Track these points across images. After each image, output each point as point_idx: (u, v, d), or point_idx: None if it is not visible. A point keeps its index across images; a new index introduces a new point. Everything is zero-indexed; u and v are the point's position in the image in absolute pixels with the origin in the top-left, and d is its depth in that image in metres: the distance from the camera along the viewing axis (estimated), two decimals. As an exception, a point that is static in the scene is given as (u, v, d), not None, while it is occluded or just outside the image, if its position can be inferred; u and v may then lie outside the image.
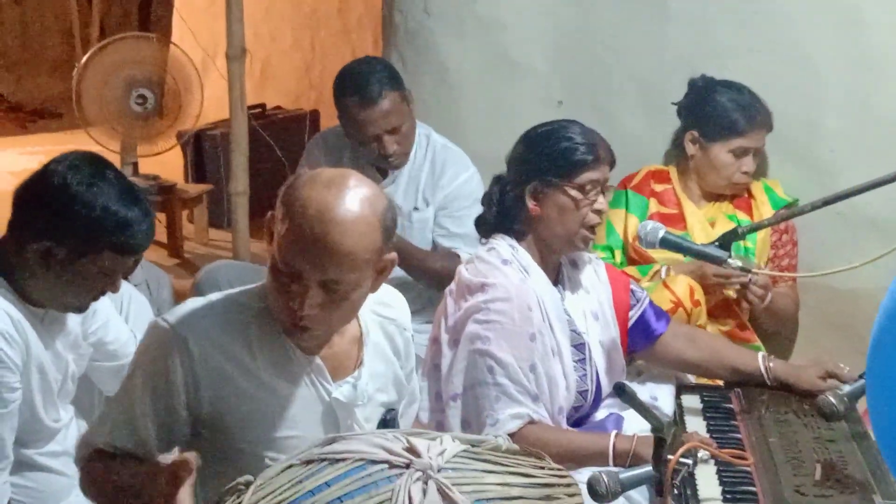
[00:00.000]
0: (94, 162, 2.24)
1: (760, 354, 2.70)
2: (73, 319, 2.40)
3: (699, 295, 2.98)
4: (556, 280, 2.59)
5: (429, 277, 3.23)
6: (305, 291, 1.83)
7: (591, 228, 2.51)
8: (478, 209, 3.16)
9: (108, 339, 2.55)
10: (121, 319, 2.63)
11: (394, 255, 1.93)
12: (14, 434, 2.29)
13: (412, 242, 3.25)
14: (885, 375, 1.36)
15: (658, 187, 3.33)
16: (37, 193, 2.19)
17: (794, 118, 3.30)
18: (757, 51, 3.35)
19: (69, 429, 2.48)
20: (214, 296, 2.01)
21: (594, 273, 2.66)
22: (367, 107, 3.18)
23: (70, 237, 2.16)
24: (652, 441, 2.29)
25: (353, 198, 1.83)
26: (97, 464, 1.97)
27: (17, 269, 2.22)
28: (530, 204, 2.51)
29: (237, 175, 4.37)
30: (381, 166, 3.32)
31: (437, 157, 3.34)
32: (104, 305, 2.49)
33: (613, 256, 3.25)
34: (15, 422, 2.28)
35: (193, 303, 1.98)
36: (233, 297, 1.99)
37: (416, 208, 3.31)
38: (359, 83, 3.20)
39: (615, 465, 2.36)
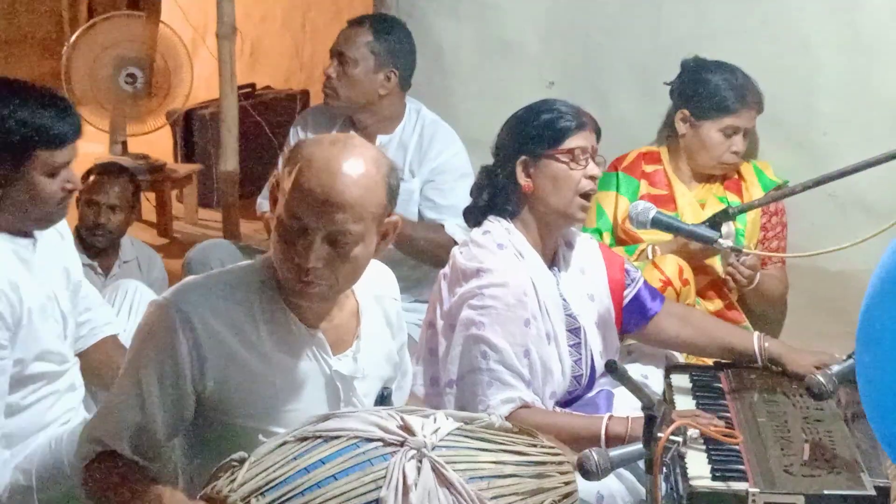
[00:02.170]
0: (4, 80, 2.38)
1: (756, 334, 2.70)
2: (58, 254, 2.45)
3: (688, 274, 2.99)
4: (552, 262, 2.60)
5: (413, 247, 3.23)
6: (312, 245, 1.85)
7: (587, 196, 2.51)
8: (464, 183, 3.17)
9: (83, 294, 2.57)
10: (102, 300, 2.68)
11: (396, 218, 1.96)
12: (4, 400, 2.29)
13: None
14: (874, 348, 1.38)
15: (649, 169, 3.33)
16: None
17: (787, 100, 3.31)
18: (751, 33, 3.35)
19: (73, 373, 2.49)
20: (214, 272, 2.03)
21: (589, 252, 2.67)
22: (348, 26, 3.33)
23: (5, 141, 2.24)
24: (641, 424, 2.31)
25: (359, 154, 1.88)
26: (103, 472, 1.92)
27: None
28: (522, 180, 2.51)
29: (227, 154, 4.37)
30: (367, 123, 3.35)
31: (425, 130, 3.37)
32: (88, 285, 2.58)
33: (602, 239, 3.26)
34: (5, 385, 2.29)
35: (193, 279, 1.98)
36: (233, 272, 2.00)
37: (402, 179, 3.31)
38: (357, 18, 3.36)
39: (608, 447, 2.36)
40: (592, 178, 2.50)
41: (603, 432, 2.36)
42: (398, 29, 3.39)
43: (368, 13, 3.61)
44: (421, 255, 3.23)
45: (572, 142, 2.48)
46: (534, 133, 2.49)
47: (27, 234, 2.38)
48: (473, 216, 2.61)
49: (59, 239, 2.50)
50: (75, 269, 2.55)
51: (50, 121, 2.27)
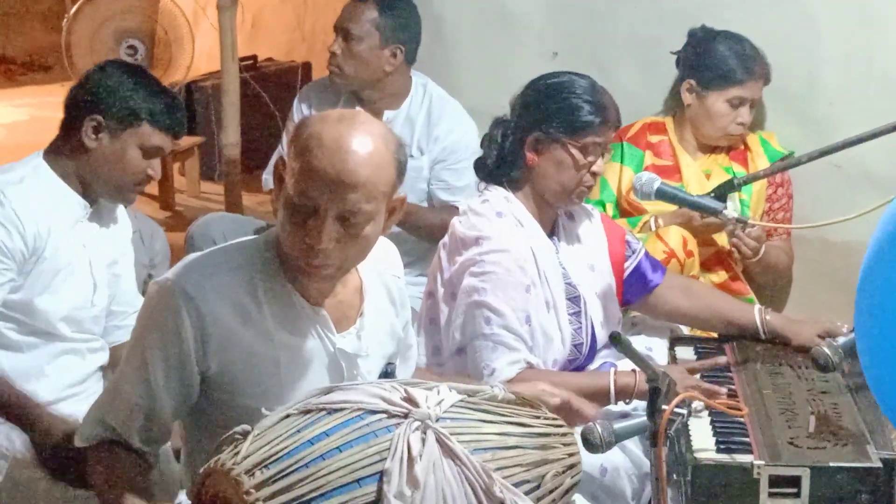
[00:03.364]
0: (137, 66, 2.70)
1: (756, 307, 2.70)
2: (113, 232, 2.59)
3: (692, 245, 2.98)
4: (552, 232, 2.59)
5: (428, 233, 3.23)
6: (322, 224, 1.83)
7: (587, 187, 2.51)
8: None
9: (124, 287, 2.64)
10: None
11: (403, 195, 1.94)
12: None
13: (406, 191, 3.24)
14: (873, 314, 1.37)
15: (654, 139, 3.32)
16: (86, 82, 2.49)
17: (792, 71, 3.29)
18: (755, 3, 3.33)
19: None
20: (215, 249, 2.00)
21: (590, 223, 2.66)
22: (352, 1, 3.28)
23: (116, 107, 2.44)
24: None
25: (367, 131, 1.86)
26: (108, 460, 1.93)
27: (70, 158, 2.47)
28: (528, 154, 2.49)
29: (229, 127, 4.34)
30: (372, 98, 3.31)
31: (433, 106, 3.34)
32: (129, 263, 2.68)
33: (605, 210, 3.24)
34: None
35: (194, 258, 1.96)
36: (236, 250, 1.97)
37: (410, 156, 3.30)
38: None
39: (617, 401, 2.37)
40: (595, 174, 2.49)
41: (612, 385, 2.37)
42: (403, 3, 3.35)
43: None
44: (435, 239, 3.21)
45: (589, 139, 2.46)
46: (554, 115, 2.46)
47: (87, 199, 2.50)
48: (483, 170, 2.60)
49: (116, 226, 2.62)
50: (124, 260, 2.65)
51: (164, 105, 2.48)
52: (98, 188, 2.50)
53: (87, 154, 2.45)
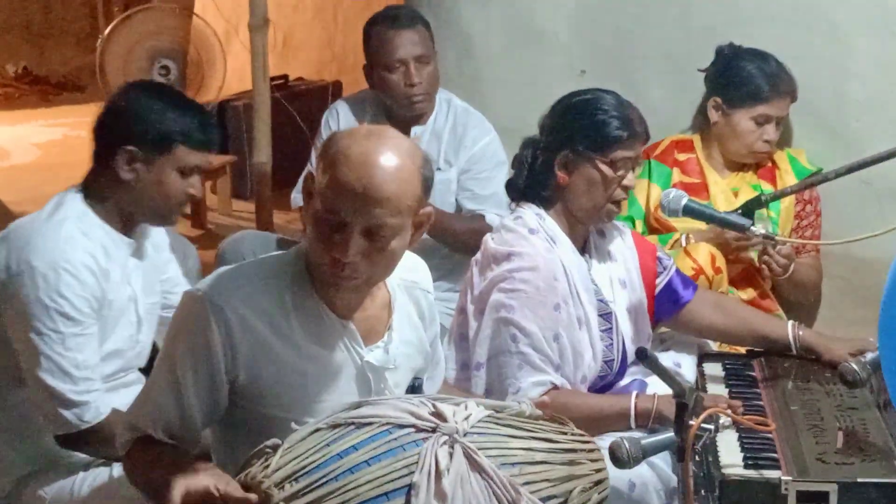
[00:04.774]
0: (161, 84, 2.65)
1: (790, 323, 2.69)
2: (154, 256, 2.57)
3: (720, 262, 2.98)
4: (583, 249, 2.60)
5: (454, 240, 3.24)
6: (349, 239, 1.85)
7: (617, 203, 2.52)
8: (501, 171, 3.16)
9: (173, 290, 2.64)
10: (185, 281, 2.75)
11: (430, 209, 1.96)
12: (98, 357, 2.36)
13: (434, 204, 3.26)
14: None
15: (681, 157, 3.32)
16: (112, 110, 2.46)
17: (820, 88, 3.28)
18: (783, 19, 3.32)
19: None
20: (246, 263, 2.04)
21: (621, 240, 2.67)
22: (399, 30, 3.27)
23: (147, 135, 2.38)
24: (670, 401, 2.31)
25: (394, 146, 1.88)
26: (140, 453, 1.95)
27: (108, 193, 2.42)
28: (559, 173, 2.50)
29: (260, 146, 4.39)
30: (403, 112, 3.31)
31: (458, 119, 3.37)
32: (175, 268, 2.70)
33: (634, 227, 3.25)
34: (95, 346, 2.36)
35: (225, 270, 1.99)
36: (266, 263, 2.01)
37: (438, 169, 3.32)
38: (391, 12, 3.34)
39: (637, 425, 2.38)
40: (626, 188, 2.50)
41: (632, 409, 2.38)
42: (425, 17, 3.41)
43: (398, 5, 3.60)
44: (462, 247, 3.22)
45: (618, 154, 2.47)
46: (581, 132, 2.47)
47: (128, 234, 2.47)
48: (514, 191, 2.61)
49: (154, 250, 2.59)
50: (171, 272, 2.66)
51: (196, 122, 2.43)
52: (140, 217, 2.46)
53: (125, 185, 2.40)
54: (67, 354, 2.30)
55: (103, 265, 2.37)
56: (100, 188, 2.43)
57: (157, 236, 2.62)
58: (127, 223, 2.46)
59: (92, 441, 2.34)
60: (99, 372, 2.36)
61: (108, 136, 2.42)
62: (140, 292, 2.48)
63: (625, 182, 2.49)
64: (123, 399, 2.46)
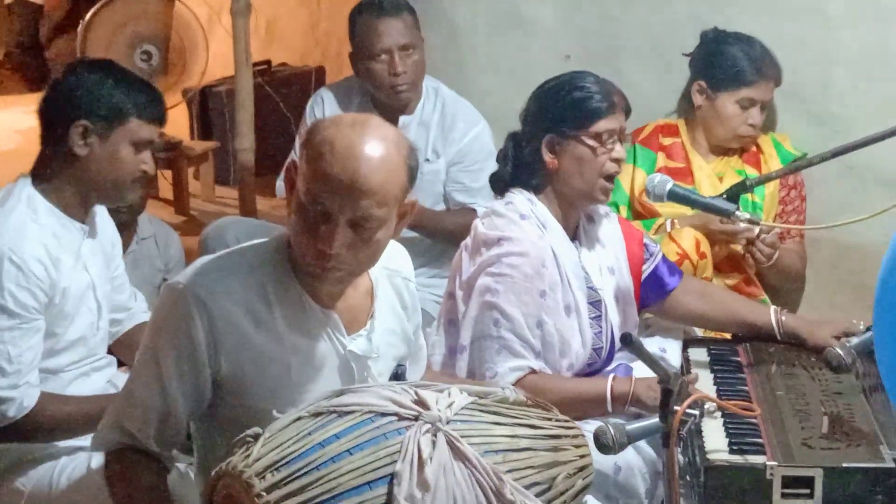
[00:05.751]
0: (107, 60, 2.58)
1: (773, 309, 2.69)
2: (105, 240, 2.52)
3: (705, 248, 2.98)
4: (574, 236, 2.59)
5: (445, 237, 3.22)
6: (334, 230, 1.83)
7: (610, 178, 2.50)
8: (491, 163, 3.14)
9: (118, 282, 2.61)
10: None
11: (414, 198, 1.95)
12: (38, 360, 2.32)
13: (423, 194, 3.23)
14: (892, 316, 1.36)
15: (666, 141, 3.31)
16: (61, 88, 2.40)
17: (805, 72, 3.28)
18: (768, 5, 3.32)
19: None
20: (226, 252, 2.01)
21: (608, 226, 2.66)
22: (383, 18, 3.23)
23: (101, 108, 2.35)
24: (651, 382, 2.31)
25: (379, 136, 1.86)
26: (125, 465, 1.95)
27: (60, 175, 2.37)
28: (547, 158, 2.49)
29: (243, 132, 4.35)
30: (388, 102, 3.29)
31: (446, 108, 3.34)
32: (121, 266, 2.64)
33: (619, 212, 3.24)
34: (39, 346, 2.32)
35: (206, 261, 1.97)
36: (246, 253, 1.98)
37: (426, 160, 3.29)
38: (376, 0, 3.27)
39: (613, 408, 2.38)
40: (617, 160, 2.48)
41: (608, 392, 2.39)
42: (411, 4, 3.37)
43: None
44: (453, 241, 3.21)
45: (601, 125, 2.46)
46: (562, 112, 2.47)
47: (82, 220, 2.43)
48: (499, 185, 2.60)
49: (104, 229, 2.54)
50: (116, 259, 2.60)
51: (147, 96, 2.41)
52: (96, 195, 2.42)
53: (79, 163, 2.35)
54: (0, 348, 2.26)
55: (54, 253, 2.33)
56: (51, 171, 2.38)
57: (102, 218, 2.55)
58: (79, 207, 2.41)
59: (24, 432, 2.31)
60: (36, 366, 2.31)
61: (58, 114, 2.37)
62: (97, 278, 2.45)
63: (614, 154, 2.48)
64: (97, 383, 2.48)
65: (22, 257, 2.27)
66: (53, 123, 2.38)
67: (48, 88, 2.44)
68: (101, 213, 2.54)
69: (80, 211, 2.42)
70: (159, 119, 2.43)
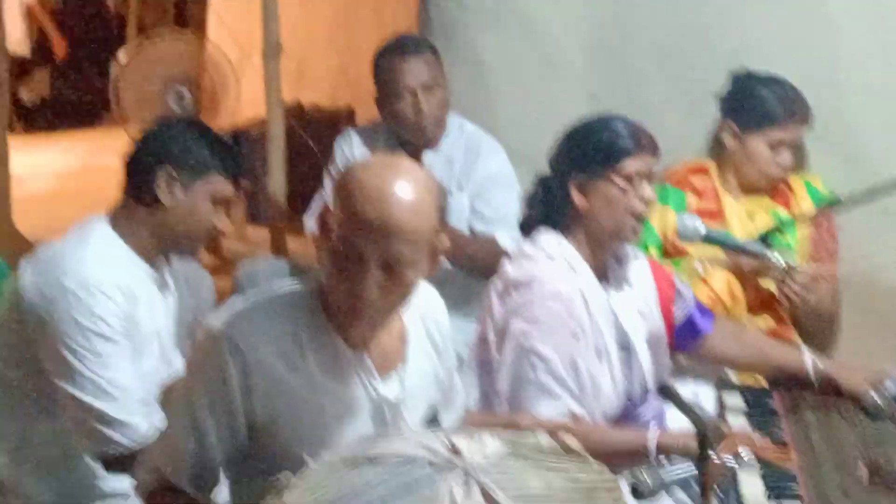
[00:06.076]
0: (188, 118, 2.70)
1: (808, 355, 2.66)
2: (172, 298, 2.55)
3: (737, 290, 2.96)
4: (603, 277, 2.58)
5: (469, 262, 3.22)
6: (367, 272, 1.84)
7: (640, 218, 2.50)
8: (511, 193, 3.14)
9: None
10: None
11: (445, 239, 1.95)
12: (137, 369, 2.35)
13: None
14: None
15: (697, 181, 3.30)
16: (150, 137, 2.47)
17: (835, 113, 3.26)
18: (798, 46, 3.32)
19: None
20: (259, 294, 2.02)
21: (638, 268, 2.64)
22: (406, 58, 3.25)
23: (188, 158, 2.41)
24: (692, 438, 2.27)
25: (410, 178, 1.87)
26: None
27: (138, 220, 2.43)
28: (577, 199, 2.49)
29: (274, 173, 4.39)
30: (414, 140, 3.30)
31: (470, 142, 3.36)
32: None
33: (649, 253, 3.23)
34: (128, 365, 2.34)
35: (239, 303, 1.98)
36: (279, 295, 1.99)
37: (450, 193, 3.30)
38: (399, 41, 3.32)
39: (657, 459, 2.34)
40: (647, 200, 2.48)
41: (650, 446, 2.34)
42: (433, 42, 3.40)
43: (411, 31, 3.59)
44: (474, 268, 3.21)
45: (630, 165, 2.45)
46: (590, 153, 2.47)
47: (152, 266, 2.47)
48: (528, 228, 2.60)
49: (177, 284, 2.59)
50: (181, 314, 2.63)
51: (230, 154, 2.49)
52: (170, 244, 2.46)
53: (162, 211, 2.41)
54: (104, 373, 2.30)
55: (130, 288, 2.37)
56: (129, 215, 2.43)
57: (195, 277, 2.65)
58: (151, 252, 2.45)
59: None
60: (136, 393, 2.35)
61: (147, 161, 2.42)
62: (163, 329, 2.48)
63: (644, 194, 2.47)
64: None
65: (106, 285, 2.32)
66: (140, 169, 2.43)
67: (140, 135, 2.51)
68: (187, 268, 2.60)
69: (151, 256, 2.46)
70: (239, 178, 2.49)
